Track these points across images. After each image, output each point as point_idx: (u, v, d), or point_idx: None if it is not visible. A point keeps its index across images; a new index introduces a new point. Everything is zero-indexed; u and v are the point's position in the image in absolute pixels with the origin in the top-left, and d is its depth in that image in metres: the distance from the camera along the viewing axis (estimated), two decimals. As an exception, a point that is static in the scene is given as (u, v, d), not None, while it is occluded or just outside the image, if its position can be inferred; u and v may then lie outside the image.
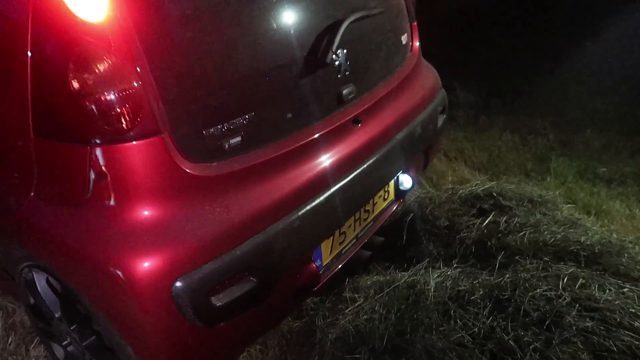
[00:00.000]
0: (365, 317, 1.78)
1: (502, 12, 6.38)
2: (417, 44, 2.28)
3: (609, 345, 1.53)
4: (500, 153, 3.61)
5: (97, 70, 1.15)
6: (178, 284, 1.22)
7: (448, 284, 1.83)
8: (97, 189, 1.24)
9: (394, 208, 2.18)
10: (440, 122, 2.27)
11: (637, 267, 1.90)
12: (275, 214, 1.43)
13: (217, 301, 1.31)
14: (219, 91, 1.36)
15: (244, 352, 1.91)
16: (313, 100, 1.62)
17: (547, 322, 1.60)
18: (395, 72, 2.08)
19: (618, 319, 1.61)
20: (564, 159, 3.47)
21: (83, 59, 1.15)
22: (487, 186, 2.46)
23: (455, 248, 2.16)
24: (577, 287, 1.73)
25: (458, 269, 1.96)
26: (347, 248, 1.91)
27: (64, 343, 1.78)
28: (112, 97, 1.16)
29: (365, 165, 1.74)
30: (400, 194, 2.18)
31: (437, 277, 1.87)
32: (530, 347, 1.54)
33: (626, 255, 1.95)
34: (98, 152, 1.21)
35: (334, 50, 1.59)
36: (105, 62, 1.15)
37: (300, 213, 1.49)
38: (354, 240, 1.94)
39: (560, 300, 1.67)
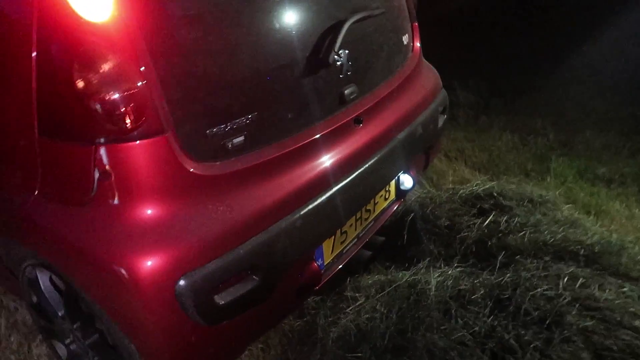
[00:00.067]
0: (367, 316, 1.78)
1: (502, 12, 6.38)
2: (418, 44, 2.29)
3: (609, 344, 1.54)
4: (500, 153, 3.61)
5: (101, 70, 1.16)
6: (181, 282, 1.23)
7: (449, 284, 1.83)
8: (101, 188, 1.24)
9: (395, 208, 2.19)
10: (441, 122, 2.28)
11: (637, 266, 1.91)
12: (277, 213, 1.44)
13: (220, 300, 1.31)
14: (223, 91, 1.37)
15: (246, 351, 1.92)
16: (315, 100, 1.63)
17: (547, 321, 1.61)
18: (396, 72, 2.09)
19: (618, 318, 1.62)
20: (563, 159, 3.47)
21: (88, 59, 1.16)
22: (487, 186, 2.46)
23: (455, 248, 2.16)
24: (577, 286, 1.74)
25: (459, 269, 1.96)
26: (348, 247, 1.92)
27: (66, 341, 1.78)
28: (117, 96, 1.17)
29: (366, 165, 1.75)
30: (401, 193, 2.18)
31: (438, 276, 1.88)
32: (531, 346, 1.55)
33: (626, 255, 1.96)
34: (102, 151, 1.22)
35: (336, 50, 1.60)
36: (110, 62, 1.16)
37: (302, 212, 1.50)
38: (355, 240, 1.95)
39: (560, 299, 1.68)
